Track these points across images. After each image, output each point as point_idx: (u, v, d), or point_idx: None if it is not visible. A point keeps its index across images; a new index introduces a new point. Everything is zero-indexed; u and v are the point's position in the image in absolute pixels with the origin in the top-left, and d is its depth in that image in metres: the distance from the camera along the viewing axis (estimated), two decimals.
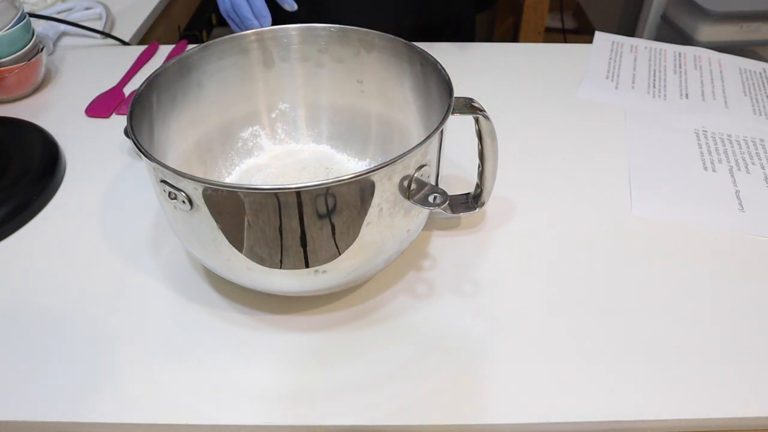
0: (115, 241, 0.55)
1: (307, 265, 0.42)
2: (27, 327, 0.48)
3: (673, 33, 1.61)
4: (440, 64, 0.48)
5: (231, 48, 0.53)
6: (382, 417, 0.42)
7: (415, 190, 0.41)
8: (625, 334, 0.47)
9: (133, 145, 0.40)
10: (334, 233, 0.40)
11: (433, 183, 0.46)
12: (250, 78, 0.55)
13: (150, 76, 0.47)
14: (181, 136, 0.52)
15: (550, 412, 0.42)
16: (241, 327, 0.48)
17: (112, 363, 0.45)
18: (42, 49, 0.73)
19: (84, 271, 0.52)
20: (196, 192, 0.39)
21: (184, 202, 0.39)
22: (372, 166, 0.56)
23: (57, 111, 0.71)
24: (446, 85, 0.46)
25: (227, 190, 0.38)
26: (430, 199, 0.41)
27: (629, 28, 1.80)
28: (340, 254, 0.42)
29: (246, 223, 0.39)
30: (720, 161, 0.64)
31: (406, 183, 0.41)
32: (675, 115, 0.71)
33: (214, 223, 0.40)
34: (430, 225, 0.56)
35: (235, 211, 0.39)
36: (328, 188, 0.38)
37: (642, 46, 0.83)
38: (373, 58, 0.53)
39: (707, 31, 1.52)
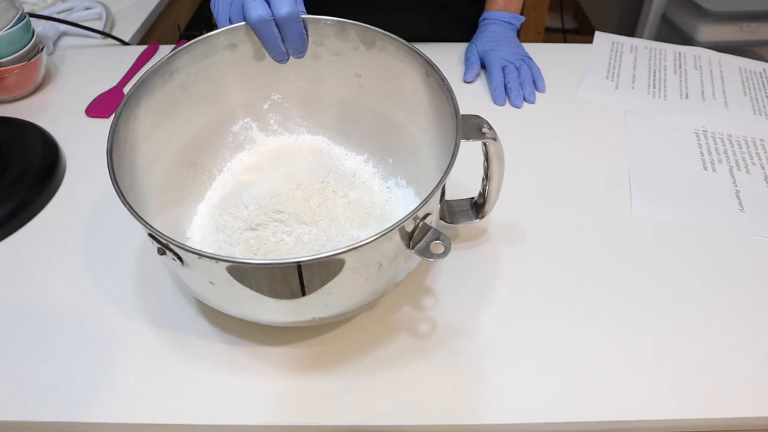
0: (114, 241, 0.55)
1: (303, 311, 0.41)
2: (27, 327, 0.48)
3: (673, 33, 1.61)
4: (447, 81, 0.45)
5: (217, 45, 0.50)
6: (382, 417, 0.42)
7: (418, 236, 0.39)
8: (624, 334, 0.47)
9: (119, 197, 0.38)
10: (332, 290, 0.39)
11: (436, 222, 0.43)
12: (239, 72, 0.53)
13: (128, 92, 0.45)
14: (168, 143, 0.50)
15: (550, 412, 0.42)
16: (238, 346, 0.48)
17: (111, 363, 0.45)
18: (42, 49, 0.73)
19: (83, 272, 0.52)
20: (186, 255, 0.37)
21: (174, 259, 0.38)
22: (370, 162, 0.55)
23: (57, 111, 0.71)
24: (453, 111, 0.43)
25: (220, 260, 0.36)
26: (432, 248, 0.39)
27: (629, 28, 1.80)
28: (337, 304, 0.41)
29: (239, 286, 0.38)
30: (720, 161, 0.64)
31: (409, 230, 0.39)
32: (675, 115, 0.71)
33: (207, 281, 0.39)
34: None
35: (227, 277, 0.38)
36: (326, 259, 0.36)
37: (642, 46, 0.83)
38: (373, 54, 0.51)
39: (707, 31, 1.51)
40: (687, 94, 0.74)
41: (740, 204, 0.59)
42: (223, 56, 0.51)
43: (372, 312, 0.49)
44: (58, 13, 0.89)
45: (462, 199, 0.52)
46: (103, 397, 0.43)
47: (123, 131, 0.44)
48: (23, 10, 0.70)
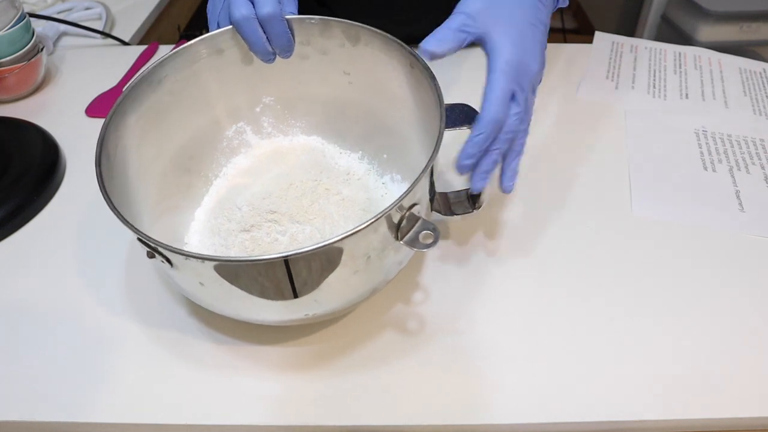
0: (114, 241, 0.55)
1: (294, 308, 0.41)
2: (27, 327, 0.48)
3: (673, 33, 1.61)
4: (430, 71, 0.44)
5: (204, 50, 0.50)
6: (382, 417, 0.42)
7: (406, 228, 0.39)
8: (624, 334, 0.47)
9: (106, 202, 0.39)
10: (321, 286, 0.39)
11: (425, 213, 0.43)
12: (228, 76, 0.52)
13: (116, 102, 0.45)
14: (161, 150, 0.50)
15: (550, 412, 0.42)
16: (230, 345, 0.48)
17: (111, 363, 0.45)
18: (42, 49, 0.73)
19: (83, 272, 0.52)
20: (174, 257, 0.37)
21: (163, 262, 0.38)
22: (365, 159, 0.55)
23: (57, 111, 0.71)
24: (437, 100, 0.42)
25: (206, 259, 0.36)
26: (422, 238, 0.39)
27: (629, 28, 1.80)
28: (328, 300, 0.41)
29: (228, 285, 0.38)
30: (720, 161, 0.64)
31: (396, 221, 0.39)
32: (675, 115, 0.71)
33: (198, 282, 0.40)
34: None
35: (215, 276, 0.38)
36: (311, 253, 0.35)
37: (642, 46, 0.83)
38: (359, 50, 0.50)
39: (707, 31, 1.51)
40: (687, 94, 0.74)
41: (740, 204, 0.59)
42: (211, 61, 0.51)
43: (365, 310, 0.49)
44: (58, 13, 0.89)
45: (459, 191, 0.51)
46: (103, 397, 0.43)
47: (113, 139, 0.44)
48: (23, 10, 0.70)
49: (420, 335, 0.47)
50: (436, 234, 0.38)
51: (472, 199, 0.50)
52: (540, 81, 0.45)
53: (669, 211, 0.58)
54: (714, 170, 0.63)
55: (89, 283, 0.51)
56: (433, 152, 0.40)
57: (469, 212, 0.50)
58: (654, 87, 0.75)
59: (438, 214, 0.51)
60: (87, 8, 0.89)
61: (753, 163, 0.64)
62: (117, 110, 0.45)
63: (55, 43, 0.84)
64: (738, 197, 0.59)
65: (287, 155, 0.56)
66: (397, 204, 0.37)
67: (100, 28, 0.86)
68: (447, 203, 0.51)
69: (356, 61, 0.51)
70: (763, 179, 0.62)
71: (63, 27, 0.85)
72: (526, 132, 0.45)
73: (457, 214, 0.50)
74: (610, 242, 0.55)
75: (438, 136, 0.40)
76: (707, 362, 0.45)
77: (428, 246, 0.38)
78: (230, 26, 0.49)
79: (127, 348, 0.46)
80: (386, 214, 0.37)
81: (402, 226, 0.39)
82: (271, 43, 0.49)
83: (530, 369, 0.45)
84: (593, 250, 0.54)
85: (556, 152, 0.65)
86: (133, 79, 0.47)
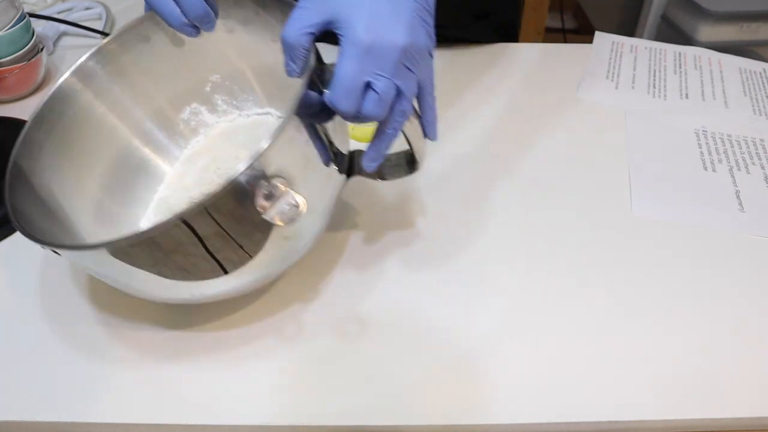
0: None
1: (171, 289, 0.41)
2: (26, 327, 0.48)
3: (673, 33, 1.61)
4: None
5: (127, 42, 0.50)
6: (382, 417, 0.42)
7: (270, 202, 0.36)
8: (624, 335, 0.47)
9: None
10: (182, 269, 0.38)
11: (305, 185, 0.38)
12: (164, 62, 0.52)
13: (39, 106, 0.45)
14: (107, 143, 0.50)
15: (550, 412, 0.42)
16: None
17: (111, 363, 0.45)
18: (42, 49, 0.73)
19: (83, 272, 0.52)
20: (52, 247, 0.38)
21: (53, 251, 0.39)
22: None
23: None
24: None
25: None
26: (279, 213, 0.35)
27: (629, 28, 1.80)
28: (203, 286, 0.41)
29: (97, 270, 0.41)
30: (720, 161, 0.64)
31: (248, 194, 0.35)
32: (675, 115, 0.71)
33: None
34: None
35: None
36: (145, 238, 0.35)
37: (642, 46, 0.83)
38: (271, 16, 0.49)
39: (707, 31, 1.52)
40: (687, 94, 0.74)
41: (740, 204, 0.59)
42: (141, 49, 0.51)
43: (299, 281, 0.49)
44: (58, 13, 0.89)
45: (398, 152, 0.46)
46: (102, 397, 0.43)
47: (40, 141, 0.45)
48: (23, 10, 0.70)
49: (414, 336, 0.47)
50: (294, 208, 0.36)
51: (411, 162, 0.46)
52: (425, 53, 0.39)
53: (669, 211, 0.58)
54: (714, 170, 0.63)
55: (88, 283, 0.51)
56: (289, 112, 0.36)
57: (407, 175, 0.47)
58: (654, 87, 0.75)
59: (365, 178, 0.47)
60: (87, 8, 0.89)
61: (753, 163, 0.64)
62: (38, 115, 0.46)
63: (55, 43, 0.84)
64: (738, 197, 0.59)
65: (235, 134, 0.56)
66: (232, 183, 0.34)
67: (100, 28, 0.86)
68: (385, 166, 0.47)
69: (275, 29, 0.48)
70: (763, 179, 0.62)
71: (63, 27, 0.85)
72: (403, 114, 0.40)
73: (387, 179, 0.47)
74: (610, 242, 0.55)
75: (296, 97, 0.36)
76: (707, 362, 0.45)
77: (286, 222, 0.36)
78: (146, 13, 0.48)
79: (128, 348, 0.46)
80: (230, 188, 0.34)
81: (263, 201, 0.36)
82: (186, 14, 0.46)
83: (530, 369, 0.45)
84: (593, 250, 0.54)
85: (555, 152, 0.64)
86: (59, 81, 0.47)
